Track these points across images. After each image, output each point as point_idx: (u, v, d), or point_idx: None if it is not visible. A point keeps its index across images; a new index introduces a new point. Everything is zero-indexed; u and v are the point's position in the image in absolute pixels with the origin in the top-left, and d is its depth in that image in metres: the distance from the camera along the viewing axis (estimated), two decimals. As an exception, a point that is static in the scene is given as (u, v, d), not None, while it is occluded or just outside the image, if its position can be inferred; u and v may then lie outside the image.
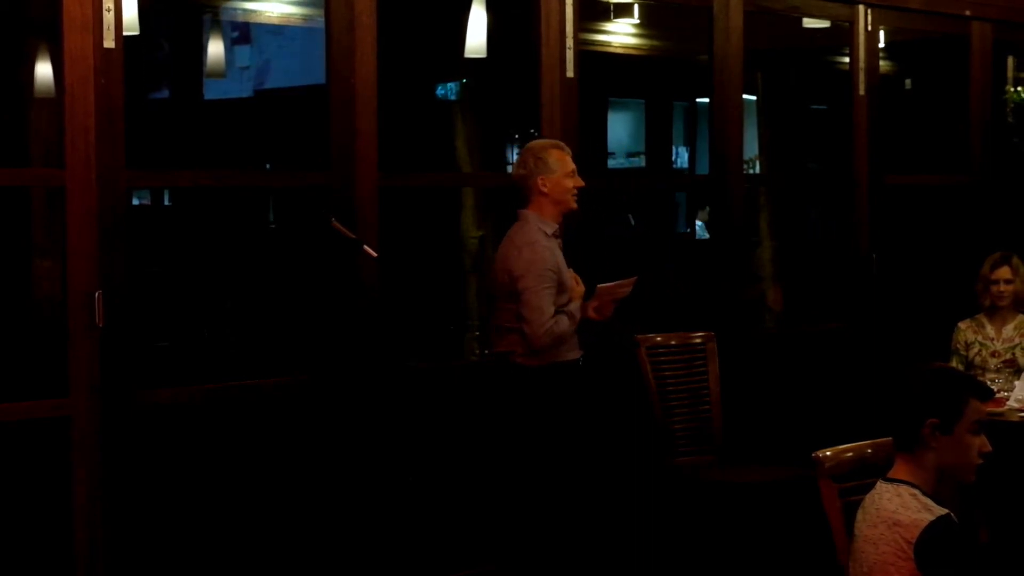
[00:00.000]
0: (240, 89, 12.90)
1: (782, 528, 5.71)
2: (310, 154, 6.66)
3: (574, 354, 5.09)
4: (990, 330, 6.24)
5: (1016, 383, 5.70)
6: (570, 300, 5.04)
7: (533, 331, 4.89)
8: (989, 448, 3.39)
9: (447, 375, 5.72)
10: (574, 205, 5.11)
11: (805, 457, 3.74)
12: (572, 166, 5.10)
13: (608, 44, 8.43)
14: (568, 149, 5.16)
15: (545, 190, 5.04)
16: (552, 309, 4.93)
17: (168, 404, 4.86)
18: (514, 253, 4.98)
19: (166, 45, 9.62)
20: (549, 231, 5.04)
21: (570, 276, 5.10)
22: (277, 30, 12.37)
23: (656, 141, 13.36)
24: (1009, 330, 6.22)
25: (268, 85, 13.04)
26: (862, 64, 7.28)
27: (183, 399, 4.91)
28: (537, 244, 4.97)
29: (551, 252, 4.98)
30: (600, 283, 5.16)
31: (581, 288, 5.13)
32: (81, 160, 4.62)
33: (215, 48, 8.28)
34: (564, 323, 4.96)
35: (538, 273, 4.91)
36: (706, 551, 5.87)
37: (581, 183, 5.11)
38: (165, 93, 10.04)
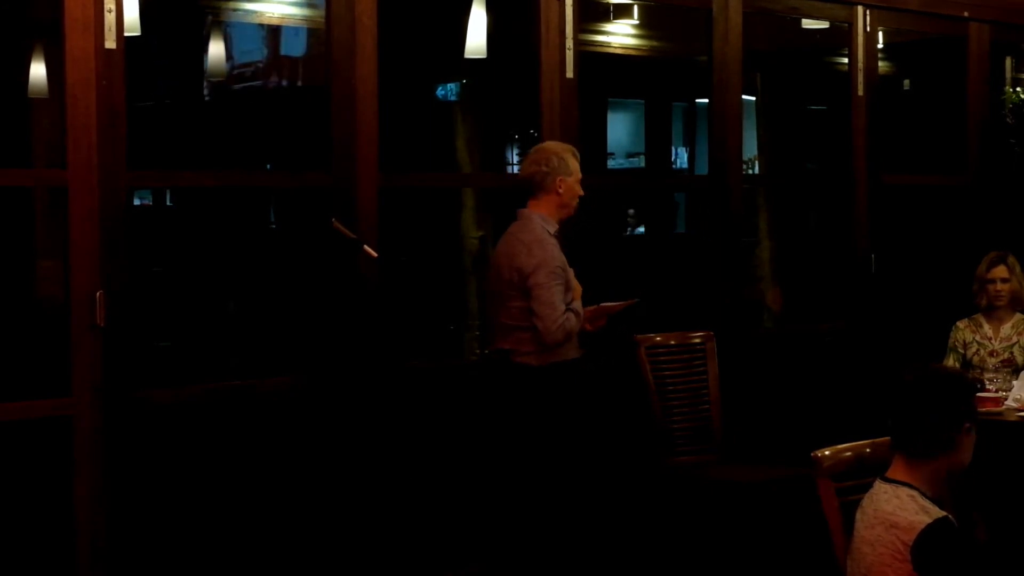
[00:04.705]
0: (240, 89, 12.89)
1: (781, 527, 5.72)
2: (311, 155, 6.68)
3: (574, 353, 5.10)
4: (988, 329, 6.25)
5: (1014, 382, 5.72)
6: (573, 299, 5.07)
7: (546, 327, 4.91)
8: None
9: (447, 375, 5.73)
10: (573, 212, 5.17)
11: (804, 456, 3.75)
12: (580, 174, 5.17)
13: (608, 45, 8.43)
14: (579, 156, 5.22)
15: (561, 190, 5.09)
16: (564, 306, 4.96)
17: (170, 404, 4.88)
18: (523, 251, 5.00)
19: (167, 45, 9.62)
20: (552, 230, 5.08)
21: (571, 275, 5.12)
22: (278, 31, 12.38)
23: (655, 141, 13.35)
24: (1007, 329, 6.22)
25: (269, 86, 13.04)
26: (861, 65, 7.29)
27: (185, 399, 4.92)
28: (546, 242, 5.01)
29: (559, 250, 5.03)
30: (598, 289, 5.19)
31: (579, 288, 5.16)
32: (83, 160, 4.63)
33: (216, 48, 8.28)
34: (573, 320, 5.00)
35: (550, 270, 4.95)
36: (705, 550, 5.88)
37: (582, 192, 5.18)
38: (166, 93, 10.04)
